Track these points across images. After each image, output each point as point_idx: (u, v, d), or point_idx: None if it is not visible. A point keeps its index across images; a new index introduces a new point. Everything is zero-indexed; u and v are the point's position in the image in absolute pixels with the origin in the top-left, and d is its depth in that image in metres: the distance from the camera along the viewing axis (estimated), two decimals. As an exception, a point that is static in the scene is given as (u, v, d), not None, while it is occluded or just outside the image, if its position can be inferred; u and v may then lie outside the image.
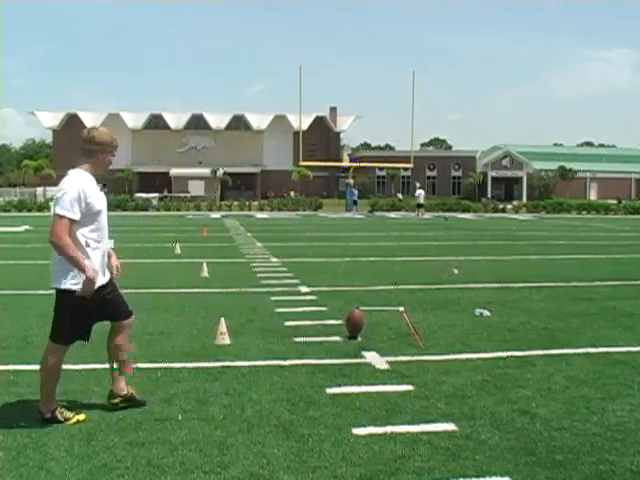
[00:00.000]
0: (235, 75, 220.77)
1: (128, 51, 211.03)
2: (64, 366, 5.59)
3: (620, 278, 13.95)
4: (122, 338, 5.70)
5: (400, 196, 69.64)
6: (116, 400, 5.60)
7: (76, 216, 5.13)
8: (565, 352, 7.62)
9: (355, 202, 57.07)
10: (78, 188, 5.16)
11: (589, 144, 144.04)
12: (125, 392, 5.64)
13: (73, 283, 5.20)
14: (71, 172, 5.32)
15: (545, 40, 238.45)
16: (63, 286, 5.21)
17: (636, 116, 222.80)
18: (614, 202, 62.76)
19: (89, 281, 5.13)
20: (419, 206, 49.66)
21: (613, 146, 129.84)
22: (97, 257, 5.35)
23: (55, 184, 73.69)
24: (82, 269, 5.11)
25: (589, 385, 6.37)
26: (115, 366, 5.71)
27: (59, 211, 5.08)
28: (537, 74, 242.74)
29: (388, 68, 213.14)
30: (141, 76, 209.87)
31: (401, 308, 8.74)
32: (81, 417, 5.33)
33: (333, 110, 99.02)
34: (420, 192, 50.84)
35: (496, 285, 12.85)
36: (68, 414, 5.33)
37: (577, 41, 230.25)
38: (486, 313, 9.71)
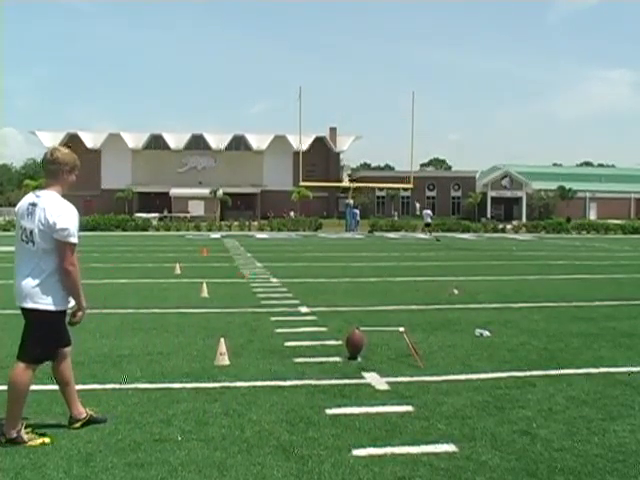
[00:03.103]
0: (235, 96, 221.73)
1: (129, 72, 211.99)
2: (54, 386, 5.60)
3: (620, 298, 13.93)
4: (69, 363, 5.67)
5: (396, 216, 69.91)
6: (77, 425, 5.59)
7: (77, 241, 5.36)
8: (566, 372, 7.61)
9: (358, 222, 57.54)
10: (75, 214, 5.36)
11: (588, 164, 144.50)
12: (84, 415, 5.64)
13: (68, 304, 5.37)
14: (47, 195, 5.34)
15: (546, 60, 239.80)
16: (60, 308, 5.33)
17: (635, 136, 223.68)
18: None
19: (84, 312, 5.42)
20: (427, 225, 50.15)
21: (612, 166, 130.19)
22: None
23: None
24: (80, 299, 5.35)
25: (590, 405, 6.35)
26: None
27: (73, 240, 5.25)
28: (537, 94, 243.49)
29: (388, 88, 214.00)
30: (142, 96, 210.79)
31: (401, 328, 8.72)
32: (47, 440, 5.26)
33: (333, 130, 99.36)
34: (427, 212, 51.40)
35: (496, 305, 12.83)
36: (32, 435, 5.29)
37: (577, 61, 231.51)
38: (486, 333, 9.68)
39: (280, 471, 4.72)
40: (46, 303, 5.26)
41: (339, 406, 6.24)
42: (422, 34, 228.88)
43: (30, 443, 5.19)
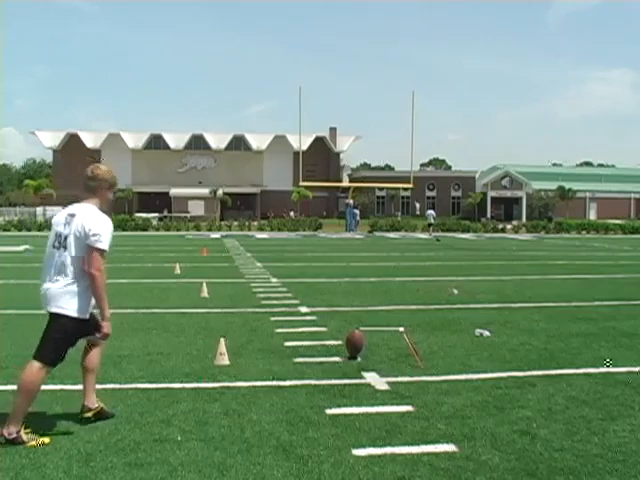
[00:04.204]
0: (235, 96, 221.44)
1: (129, 72, 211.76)
2: (64, 386, 5.61)
3: (620, 298, 13.93)
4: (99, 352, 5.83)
5: (399, 216, 70.08)
6: (89, 414, 5.67)
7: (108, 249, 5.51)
8: (565, 372, 7.61)
9: (358, 222, 57.77)
10: (111, 225, 5.56)
11: (588, 164, 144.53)
12: (96, 405, 5.74)
13: (74, 309, 5.40)
14: (86, 207, 5.56)
15: (545, 61, 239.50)
16: (81, 316, 5.43)
17: (635, 136, 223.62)
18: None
19: (109, 323, 5.47)
20: (430, 225, 50.58)
21: (612, 166, 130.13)
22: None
23: (55, 204, 73.72)
24: (105, 308, 5.45)
25: (590, 405, 6.35)
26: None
27: (102, 246, 5.40)
28: (538, 95, 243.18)
29: (388, 88, 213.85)
30: (142, 96, 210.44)
31: (401, 329, 8.74)
32: (46, 440, 5.27)
33: (333, 130, 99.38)
34: (431, 212, 51.98)
35: (496, 305, 12.84)
36: (32, 436, 5.31)
37: (577, 61, 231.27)
38: (486, 333, 9.69)
39: (280, 471, 4.73)
40: (69, 309, 5.37)
41: (339, 406, 6.25)
42: (422, 34, 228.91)
43: (30, 443, 5.20)
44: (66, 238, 5.40)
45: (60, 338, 5.41)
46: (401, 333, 8.58)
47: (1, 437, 5.25)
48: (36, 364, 5.41)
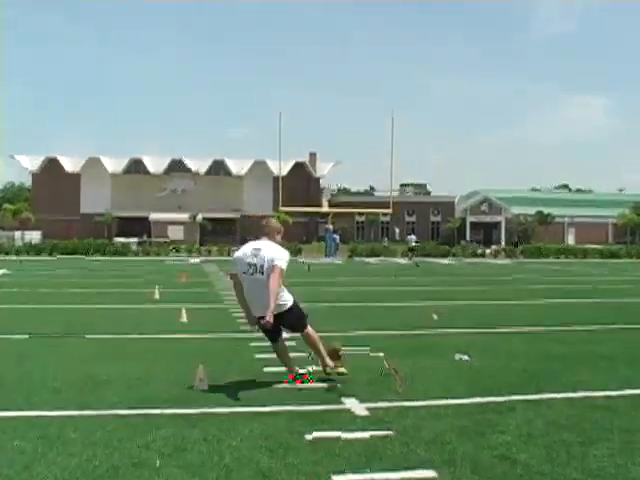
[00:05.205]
0: (215, 120, 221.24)
1: (109, 96, 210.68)
2: (42, 412, 5.55)
3: (598, 322, 14.00)
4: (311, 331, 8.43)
5: (386, 242, 70.61)
6: (328, 371, 8.28)
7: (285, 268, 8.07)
8: (545, 397, 7.63)
9: (337, 247, 57.96)
10: (288, 253, 8.17)
11: (565, 187, 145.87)
12: (332, 365, 8.28)
13: (290, 300, 8.25)
14: (267, 242, 8.18)
15: (527, 86, 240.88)
16: (291, 304, 8.19)
17: (613, 161, 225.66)
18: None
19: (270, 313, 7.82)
20: (410, 250, 51.07)
21: (590, 191, 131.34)
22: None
23: (33, 228, 72.91)
24: (272, 303, 7.67)
25: (569, 430, 6.36)
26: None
27: (283, 265, 7.90)
28: (517, 120, 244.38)
29: (368, 112, 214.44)
30: (121, 121, 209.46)
31: (381, 354, 8.72)
32: (345, 370, 8.22)
33: (313, 156, 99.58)
34: (411, 237, 52.78)
35: (475, 330, 12.86)
36: (338, 363, 8.26)
37: (558, 87, 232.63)
38: (466, 358, 9.70)
39: (259, 497, 4.69)
40: (289, 301, 8.20)
41: (318, 432, 6.22)
42: (403, 57, 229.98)
43: (339, 370, 8.17)
44: (262, 266, 7.83)
45: (298, 314, 8.30)
46: (382, 359, 8.57)
47: (327, 368, 8.23)
48: (305, 332, 8.32)
